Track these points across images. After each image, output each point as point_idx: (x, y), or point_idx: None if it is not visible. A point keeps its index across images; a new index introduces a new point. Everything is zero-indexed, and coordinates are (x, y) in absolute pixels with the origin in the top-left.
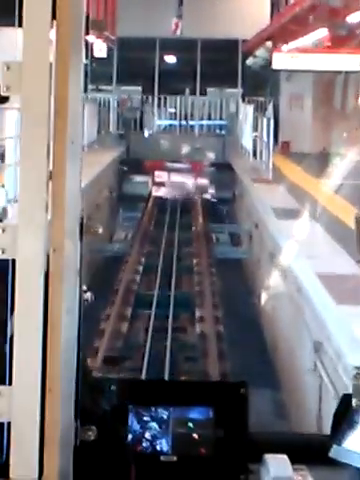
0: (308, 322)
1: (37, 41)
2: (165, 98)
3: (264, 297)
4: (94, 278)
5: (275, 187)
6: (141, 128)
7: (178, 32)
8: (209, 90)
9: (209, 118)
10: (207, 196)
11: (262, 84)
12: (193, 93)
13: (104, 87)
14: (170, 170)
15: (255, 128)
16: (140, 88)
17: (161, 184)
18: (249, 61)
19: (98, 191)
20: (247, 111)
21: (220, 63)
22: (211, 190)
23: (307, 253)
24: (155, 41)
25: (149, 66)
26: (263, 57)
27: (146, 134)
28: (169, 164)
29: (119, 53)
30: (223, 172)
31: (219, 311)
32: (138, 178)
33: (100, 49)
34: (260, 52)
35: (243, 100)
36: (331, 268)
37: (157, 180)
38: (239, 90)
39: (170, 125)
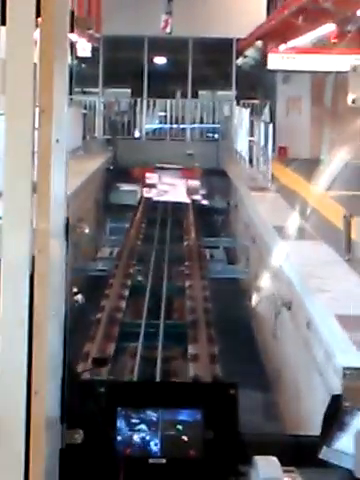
0: (323, 369)
1: (21, 39)
2: (155, 101)
3: (266, 330)
4: (73, 306)
5: (275, 198)
6: (129, 133)
7: (168, 29)
8: (201, 93)
9: (201, 122)
10: (200, 204)
11: (257, 86)
12: (184, 96)
13: (89, 89)
14: (160, 177)
15: (251, 133)
16: (129, 90)
17: (152, 186)
18: (239, 61)
19: (82, 202)
20: (242, 115)
21: (213, 64)
22: (205, 199)
23: (318, 285)
24: (143, 40)
25: (137, 67)
26: (253, 57)
27: (137, 134)
28: (159, 171)
29: (105, 53)
30: (217, 179)
31: (215, 347)
32: (126, 187)
33: (84, 48)
34: (250, 52)
35: (237, 103)
36: (347, 304)
37: (148, 182)
38: (233, 92)
39: (160, 129)
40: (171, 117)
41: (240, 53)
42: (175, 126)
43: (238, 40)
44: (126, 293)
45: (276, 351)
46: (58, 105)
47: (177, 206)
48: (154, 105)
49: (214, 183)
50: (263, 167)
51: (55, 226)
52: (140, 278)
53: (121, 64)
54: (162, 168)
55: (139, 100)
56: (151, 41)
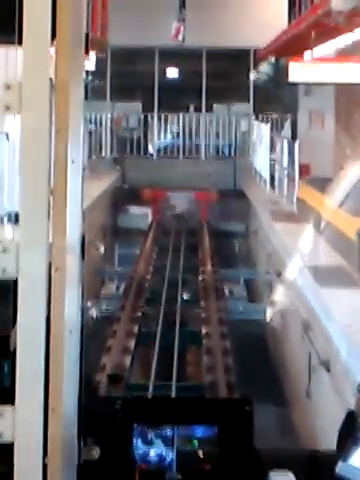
0: None
1: (37, 60)
2: (167, 116)
3: (299, 391)
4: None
5: (303, 228)
6: (139, 151)
7: (180, 38)
8: (216, 106)
9: (217, 137)
10: (216, 228)
11: (276, 99)
12: (198, 109)
13: (95, 103)
14: (172, 200)
15: (272, 150)
16: (140, 104)
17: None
18: (252, 76)
19: (87, 227)
20: (262, 130)
21: (228, 76)
22: (221, 222)
23: None
24: (154, 51)
25: (148, 80)
26: (265, 72)
27: (151, 150)
28: (171, 193)
29: (113, 65)
30: (234, 201)
31: None
32: (136, 210)
33: (87, 59)
34: (263, 67)
35: (256, 117)
36: None
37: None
38: (250, 106)
39: (172, 145)
40: (184, 133)
41: (258, 64)
42: (188, 142)
43: (256, 51)
44: (132, 345)
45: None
46: (74, 125)
47: (191, 230)
48: (166, 120)
49: (231, 205)
50: (286, 189)
51: (71, 243)
52: (148, 324)
53: (131, 76)
54: (175, 189)
55: (149, 115)
56: (162, 52)
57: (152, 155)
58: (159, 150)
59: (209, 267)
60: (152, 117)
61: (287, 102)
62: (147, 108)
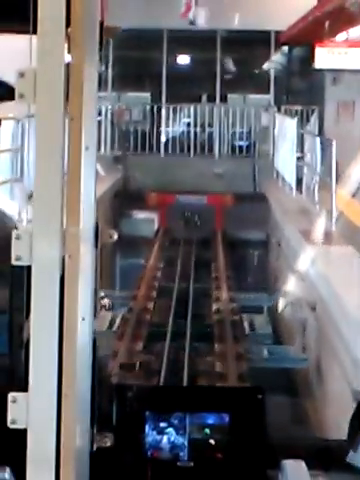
0: None
1: (51, 48)
2: (175, 108)
3: None
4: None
5: (347, 255)
6: (143, 148)
7: (190, 15)
8: (231, 96)
9: (233, 134)
10: (231, 236)
11: (300, 89)
12: (212, 100)
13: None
14: (181, 205)
15: (300, 149)
16: (148, 95)
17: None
18: (265, 65)
19: None
20: (286, 125)
21: (246, 62)
22: (238, 230)
23: None
24: (162, 34)
25: (157, 67)
26: (280, 62)
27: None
28: (181, 197)
29: (115, 50)
30: (254, 206)
31: None
32: (140, 215)
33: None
34: (276, 57)
35: (278, 109)
36: None
37: None
38: (271, 96)
39: (182, 141)
40: (195, 126)
41: (279, 49)
42: (200, 137)
43: (278, 33)
44: None
45: None
46: (88, 113)
47: (203, 239)
48: (174, 112)
49: (250, 211)
50: (317, 196)
51: (85, 230)
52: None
53: (138, 64)
54: (186, 193)
55: (156, 106)
56: (172, 37)
57: (159, 152)
58: (167, 147)
59: (225, 292)
60: (159, 109)
61: (312, 92)
62: (157, 99)
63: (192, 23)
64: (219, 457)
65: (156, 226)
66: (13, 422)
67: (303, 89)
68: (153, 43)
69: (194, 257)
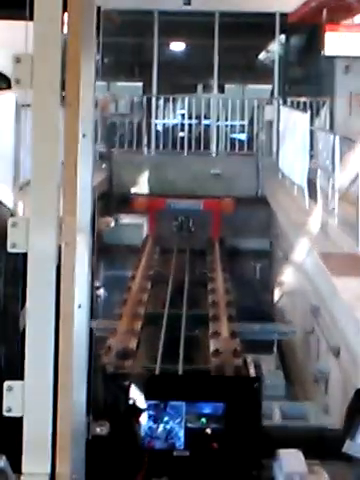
0: None
1: (48, 34)
2: (167, 99)
3: None
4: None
5: None
6: (131, 144)
7: None
8: (228, 87)
9: (232, 128)
10: (231, 246)
11: (306, 78)
12: (208, 90)
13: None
14: (174, 210)
15: (311, 149)
16: (141, 84)
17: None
18: (261, 55)
19: None
20: (296, 120)
21: (246, 49)
22: (238, 238)
23: None
24: (154, 17)
25: (147, 54)
26: (283, 48)
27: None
28: (173, 201)
29: (105, 35)
30: (255, 210)
31: None
32: (127, 220)
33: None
34: (273, 46)
35: (284, 102)
36: None
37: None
38: (272, 87)
39: (175, 136)
40: (190, 119)
41: (292, 27)
42: (195, 131)
43: (283, 16)
44: None
45: None
46: (85, 100)
47: (199, 249)
48: (166, 104)
49: (252, 216)
50: (337, 207)
51: (82, 219)
52: None
53: (130, 50)
54: (178, 197)
55: (145, 97)
56: (165, 20)
57: (149, 149)
58: (158, 143)
59: (224, 325)
60: (149, 100)
61: (320, 82)
62: (150, 89)
63: (187, 3)
64: (215, 446)
65: (145, 233)
66: (9, 410)
67: (310, 79)
68: (146, 28)
69: (188, 273)
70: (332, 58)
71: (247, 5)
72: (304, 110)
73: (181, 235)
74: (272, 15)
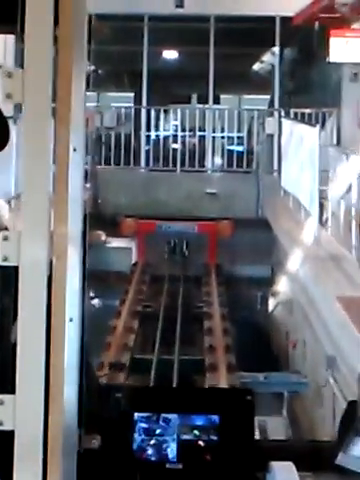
0: None
1: (39, 48)
2: (158, 111)
3: None
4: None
5: None
6: (118, 161)
7: None
8: (224, 97)
9: (230, 141)
10: (228, 273)
11: (309, 87)
12: (203, 101)
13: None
14: (165, 233)
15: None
16: (132, 95)
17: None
18: (256, 66)
19: None
20: (302, 134)
21: (243, 57)
22: (237, 266)
23: None
24: (142, 20)
25: (139, 63)
26: (270, 62)
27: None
28: (165, 224)
29: (94, 43)
30: (255, 233)
31: None
32: (114, 243)
33: None
34: (267, 57)
35: (286, 114)
36: None
37: None
38: (272, 97)
39: (167, 151)
40: (184, 133)
41: (288, 37)
42: (189, 146)
43: (284, 19)
44: None
45: None
46: (75, 113)
47: (192, 276)
48: (157, 116)
49: (251, 241)
50: (355, 238)
51: (73, 231)
52: None
53: (120, 59)
54: (170, 219)
55: (133, 109)
56: (157, 27)
57: (138, 166)
58: (148, 159)
59: (223, 376)
60: (138, 112)
61: (325, 91)
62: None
63: (179, 5)
64: (208, 459)
65: (133, 259)
66: (0, 424)
67: (313, 88)
68: (137, 35)
69: (181, 308)
70: (338, 65)
71: (244, 8)
72: (308, 123)
73: (173, 262)
74: (272, 19)
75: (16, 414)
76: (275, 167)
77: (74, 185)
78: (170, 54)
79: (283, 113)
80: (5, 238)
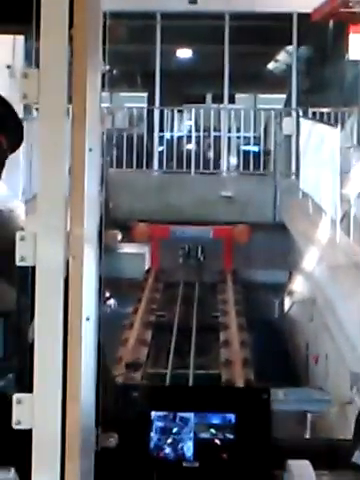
0: None
1: (55, 48)
2: (172, 111)
3: None
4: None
5: None
6: (130, 163)
7: None
8: (239, 96)
9: (245, 141)
10: (245, 278)
11: (327, 86)
12: (217, 100)
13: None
14: (179, 239)
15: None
16: (145, 95)
17: None
18: (270, 65)
19: None
20: (322, 135)
21: (259, 55)
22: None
23: None
24: (155, 19)
25: (152, 62)
26: (284, 61)
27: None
28: (179, 229)
29: (108, 42)
30: (273, 238)
31: None
32: (126, 249)
33: None
34: (281, 56)
35: (304, 113)
36: None
37: None
38: (292, 96)
39: (180, 153)
40: (198, 134)
41: (304, 35)
42: (204, 147)
43: (300, 16)
44: None
45: None
46: (91, 114)
47: (208, 283)
48: (171, 116)
49: (269, 246)
50: None
51: (89, 232)
52: None
53: (134, 58)
54: (182, 223)
55: (146, 110)
56: (170, 25)
57: (151, 169)
58: (161, 161)
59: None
60: (150, 113)
61: (345, 90)
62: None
63: (193, 1)
64: (225, 457)
65: (146, 265)
66: (18, 423)
67: (331, 86)
68: (151, 33)
69: (196, 317)
70: (358, 62)
71: (260, 4)
72: (327, 122)
73: (188, 268)
74: (288, 16)
75: (34, 413)
76: (293, 170)
77: (90, 185)
78: (184, 53)
79: (301, 112)
80: (22, 238)
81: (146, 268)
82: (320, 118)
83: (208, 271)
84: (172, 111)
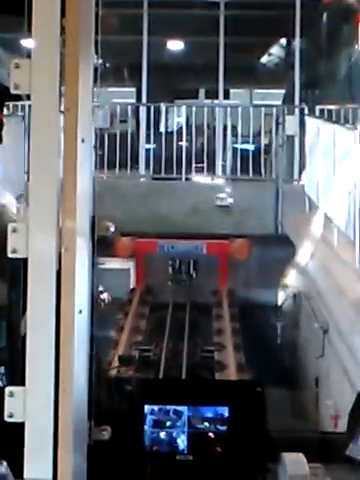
0: None
1: (46, 39)
2: (157, 108)
3: None
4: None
5: None
6: (112, 167)
7: None
8: (234, 92)
9: (246, 141)
10: (242, 299)
11: (332, 79)
12: (211, 96)
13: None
14: (168, 254)
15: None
16: (134, 90)
17: None
18: (264, 59)
19: None
20: (334, 137)
21: (256, 47)
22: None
23: None
24: (141, 7)
25: (139, 55)
26: (277, 55)
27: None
28: (167, 243)
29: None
30: (275, 252)
31: None
32: (111, 264)
33: None
34: (274, 49)
35: (310, 111)
36: None
37: None
38: (295, 92)
39: (169, 156)
40: (189, 133)
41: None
42: (196, 149)
43: (303, 5)
44: None
45: None
46: (83, 104)
47: (202, 305)
48: (159, 114)
49: (270, 262)
50: None
51: (81, 224)
52: None
53: (120, 50)
54: (171, 237)
55: (130, 107)
56: (160, 14)
57: (135, 173)
58: (147, 165)
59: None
60: (134, 110)
61: (353, 84)
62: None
63: None
64: (218, 450)
65: (131, 281)
66: (10, 416)
67: (337, 79)
68: (140, 24)
69: (187, 352)
70: None
71: None
72: (336, 121)
73: (178, 288)
74: (289, 5)
75: (26, 406)
76: (296, 175)
77: (83, 177)
78: (175, 45)
79: (306, 110)
80: (14, 230)
81: (130, 287)
82: (329, 116)
83: (201, 292)
84: (162, 108)
